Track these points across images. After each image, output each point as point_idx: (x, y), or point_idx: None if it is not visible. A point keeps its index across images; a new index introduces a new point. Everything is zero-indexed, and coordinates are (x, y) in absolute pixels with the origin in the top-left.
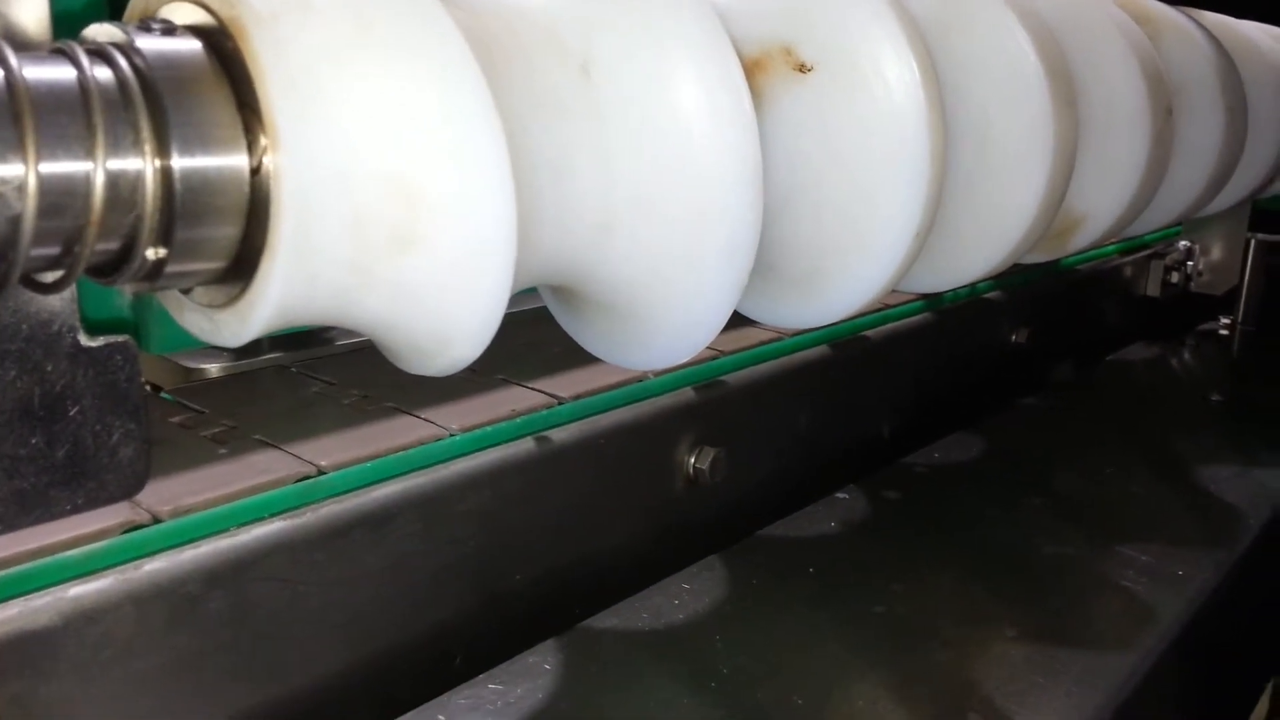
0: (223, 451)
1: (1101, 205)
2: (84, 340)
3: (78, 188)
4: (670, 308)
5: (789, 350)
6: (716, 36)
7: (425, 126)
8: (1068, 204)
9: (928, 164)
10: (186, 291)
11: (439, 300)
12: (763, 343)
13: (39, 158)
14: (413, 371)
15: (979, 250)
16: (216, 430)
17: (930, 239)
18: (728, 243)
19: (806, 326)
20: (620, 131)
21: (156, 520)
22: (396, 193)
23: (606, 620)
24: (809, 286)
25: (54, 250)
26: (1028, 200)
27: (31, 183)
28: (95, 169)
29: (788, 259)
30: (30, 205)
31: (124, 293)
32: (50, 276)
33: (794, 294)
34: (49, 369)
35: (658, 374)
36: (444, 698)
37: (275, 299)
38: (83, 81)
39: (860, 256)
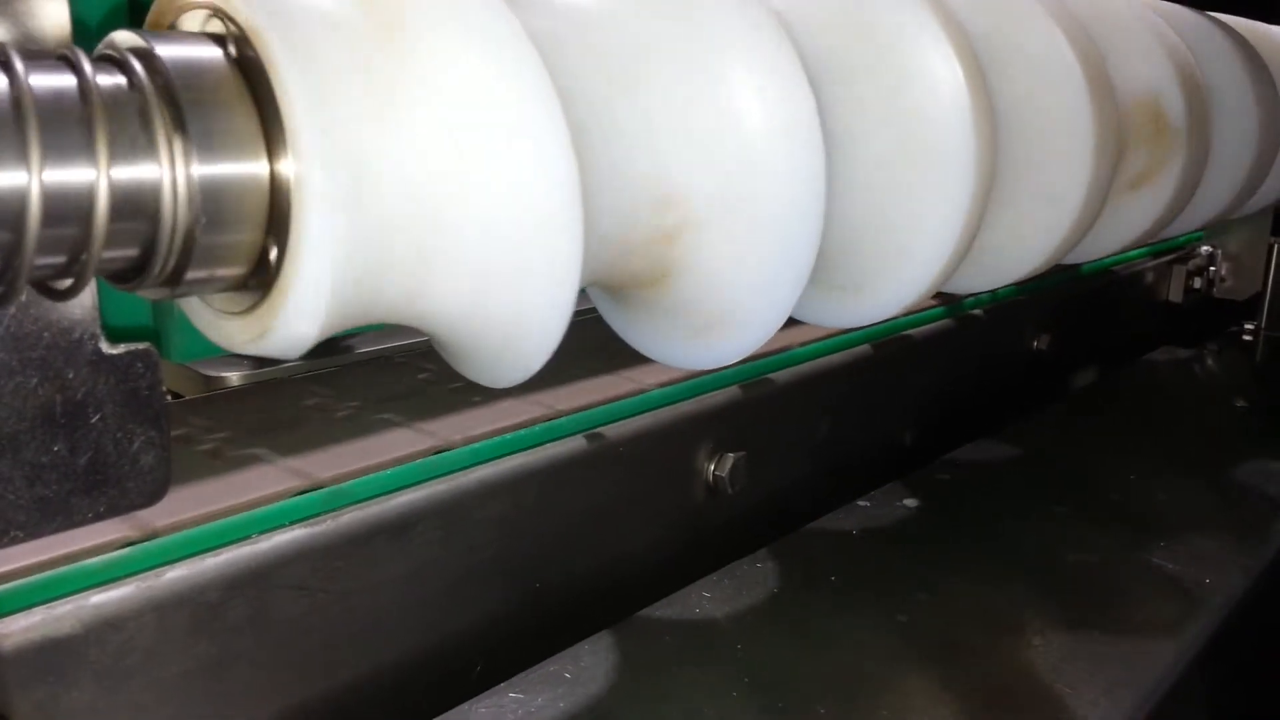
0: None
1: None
2: (105, 348)
3: (81, 196)
4: (737, 307)
5: (809, 357)
6: (786, 47)
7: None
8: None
9: (974, 164)
10: (208, 297)
11: (475, 309)
12: (782, 349)
13: (43, 165)
14: (477, 379)
15: (1025, 248)
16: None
17: (978, 237)
18: (796, 243)
19: (852, 325)
20: (687, 141)
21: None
22: (422, 199)
23: (627, 628)
24: (856, 285)
25: (60, 258)
26: (1073, 199)
27: (34, 190)
28: (99, 176)
29: (836, 259)
30: (33, 213)
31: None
32: (63, 283)
33: (840, 293)
34: (70, 376)
35: (677, 380)
36: (464, 706)
37: (296, 307)
38: (84, 88)
39: (907, 256)
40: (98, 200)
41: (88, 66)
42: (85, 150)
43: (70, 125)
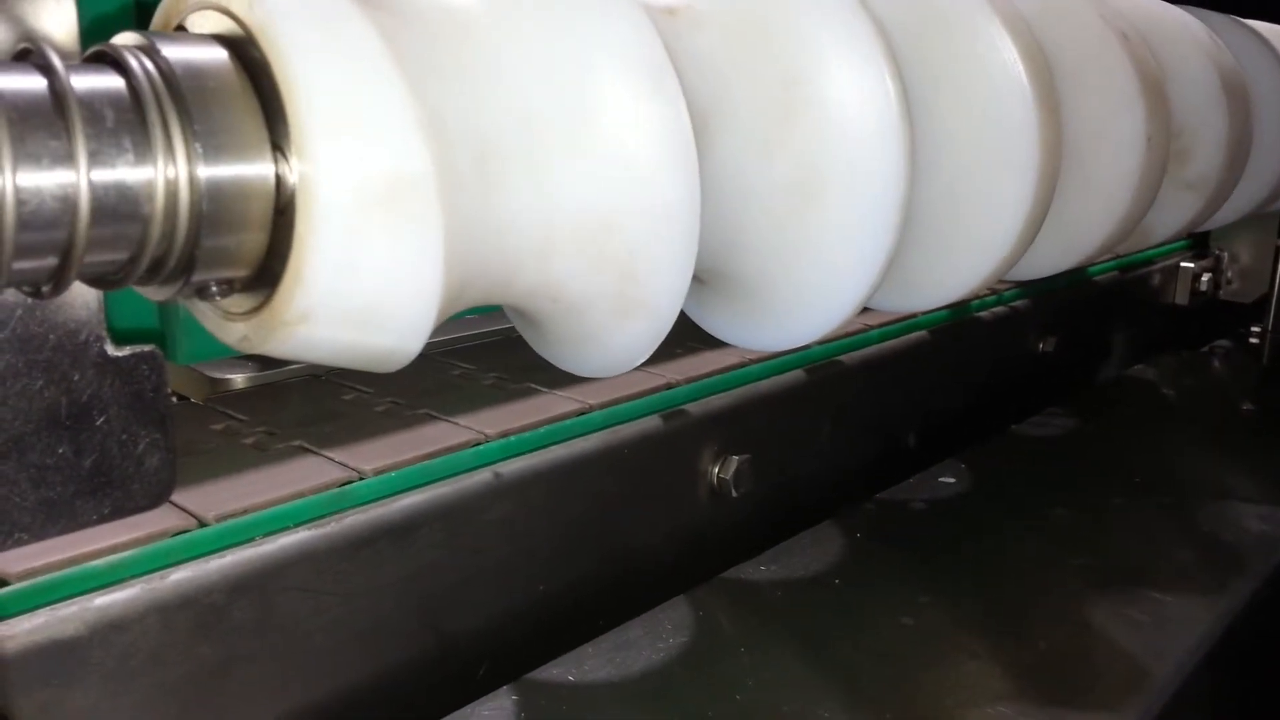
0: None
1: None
2: (110, 350)
3: (55, 200)
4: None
5: (814, 359)
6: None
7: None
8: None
9: (1039, 153)
10: (213, 298)
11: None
12: (787, 351)
13: (16, 169)
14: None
15: (1080, 235)
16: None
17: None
18: (887, 219)
19: (917, 310)
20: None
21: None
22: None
23: (631, 631)
24: (919, 270)
25: (40, 262)
26: (1122, 190)
27: (9, 194)
28: (79, 179)
29: (907, 244)
30: (8, 219)
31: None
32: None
33: (903, 276)
34: (76, 379)
35: (684, 381)
36: (468, 709)
37: (298, 311)
38: (58, 90)
39: (975, 241)
40: (81, 205)
41: (61, 69)
42: (58, 154)
43: (42, 128)
